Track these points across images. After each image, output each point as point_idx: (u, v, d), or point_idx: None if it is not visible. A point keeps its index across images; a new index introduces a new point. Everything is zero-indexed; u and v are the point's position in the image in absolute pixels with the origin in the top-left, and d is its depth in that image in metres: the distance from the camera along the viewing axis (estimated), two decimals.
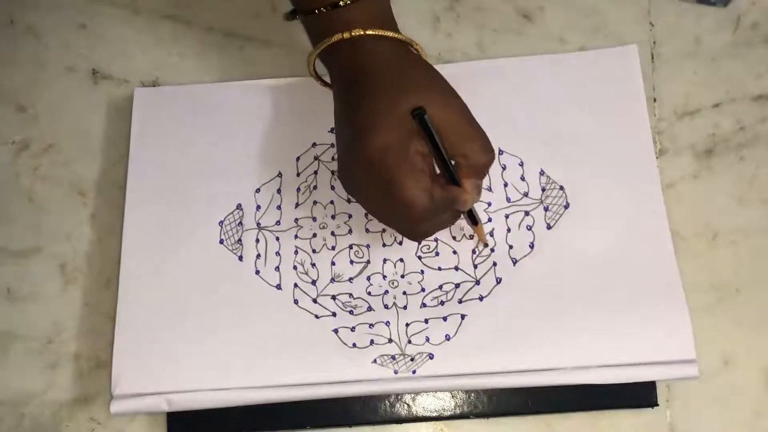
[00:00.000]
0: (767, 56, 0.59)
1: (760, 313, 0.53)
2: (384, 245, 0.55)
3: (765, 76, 0.58)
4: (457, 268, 0.53)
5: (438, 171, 0.49)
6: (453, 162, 0.48)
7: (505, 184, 0.55)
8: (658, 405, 0.51)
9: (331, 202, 0.56)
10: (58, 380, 0.55)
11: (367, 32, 0.50)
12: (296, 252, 0.55)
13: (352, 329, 0.52)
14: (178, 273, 0.54)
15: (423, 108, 0.46)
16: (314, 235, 0.55)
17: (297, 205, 0.56)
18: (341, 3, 0.50)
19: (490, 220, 0.54)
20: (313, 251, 0.55)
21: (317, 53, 0.53)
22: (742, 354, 0.52)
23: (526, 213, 0.54)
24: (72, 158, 0.60)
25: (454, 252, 0.54)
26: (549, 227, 0.54)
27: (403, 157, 0.47)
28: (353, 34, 0.50)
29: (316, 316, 0.53)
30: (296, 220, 0.56)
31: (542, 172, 0.55)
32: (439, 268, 0.54)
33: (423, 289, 0.53)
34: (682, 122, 0.58)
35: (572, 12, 0.61)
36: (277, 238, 0.55)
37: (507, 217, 0.54)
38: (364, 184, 0.49)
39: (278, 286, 0.54)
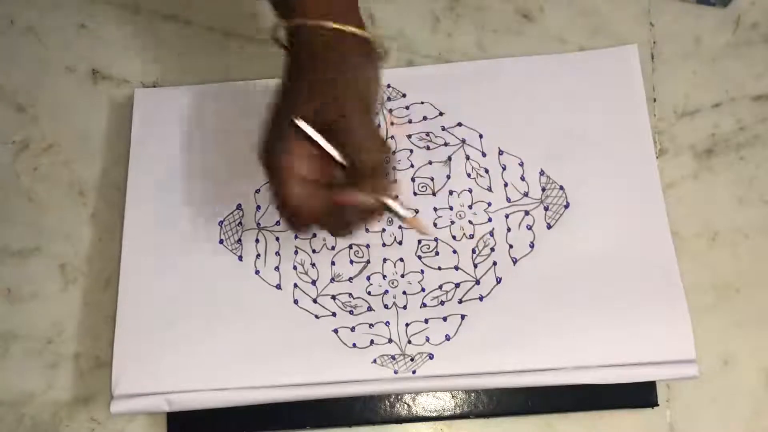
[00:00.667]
0: (767, 56, 0.59)
1: (760, 313, 0.53)
2: (384, 245, 0.55)
3: (765, 76, 0.58)
4: (457, 268, 0.53)
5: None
6: (349, 163, 0.47)
7: (505, 184, 0.55)
8: (658, 405, 0.51)
9: None
10: (58, 380, 0.55)
11: (308, 23, 0.49)
12: (296, 252, 0.55)
13: (352, 329, 0.52)
14: (178, 273, 0.54)
15: (298, 117, 0.45)
16: (314, 235, 0.55)
17: None
18: None
19: (490, 220, 0.54)
20: (313, 251, 0.55)
21: (274, 33, 0.51)
22: (742, 354, 0.52)
23: (526, 213, 0.54)
24: (72, 158, 0.60)
25: (454, 251, 0.54)
26: (549, 227, 0.54)
27: (284, 161, 0.47)
28: (293, 23, 0.49)
29: (316, 316, 0.53)
30: None
31: (542, 172, 0.55)
32: (439, 268, 0.54)
33: (423, 289, 0.53)
34: (682, 122, 0.58)
35: (572, 12, 0.61)
36: (277, 239, 0.55)
37: (507, 216, 0.54)
38: (265, 169, 0.49)
39: (278, 286, 0.54)
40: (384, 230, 0.55)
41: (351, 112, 0.48)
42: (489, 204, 0.55)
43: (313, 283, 0.54)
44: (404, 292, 0.53)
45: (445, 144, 0.57)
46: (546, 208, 0.54)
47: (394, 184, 0.54)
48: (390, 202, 0.50)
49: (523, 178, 0.55)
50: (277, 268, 0.54)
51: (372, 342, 0.52)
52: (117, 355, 0.52)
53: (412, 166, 0.56)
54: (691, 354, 0.49)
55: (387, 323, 0.52)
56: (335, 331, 0.52)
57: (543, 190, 0.55)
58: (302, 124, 0.46)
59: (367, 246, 0.55)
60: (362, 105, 0.49)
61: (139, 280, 0.54)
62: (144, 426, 0.53)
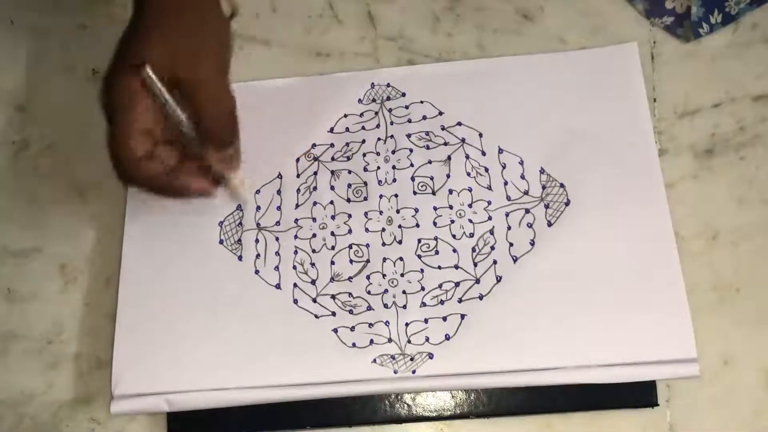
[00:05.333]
0: (767, 56, 0.59)
1: (760, 313, 0.53)
2: (383, 244, 0.55)
3: (765, 76, 0.58)
4: (457, 267, 0.53)
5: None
6: (197, 126, 0.47)
7: (505, 183, 0.55)
8: (658, 405, 0.51)
9: (331, 203, 0.56)
10: (58, 380, 0.55)
11: None
12: (296, 252, 0.55)
13: (352, 329, 0.52)
14: (177, 273, 0.54)
15: (143, 61, 0.44)
16: (314, 236, 0.55)
17: (297, 205, 0.56)
18: None
19: (490, 218, 0.54)
20: (313, 251, 0.55)
21: None
22: (742, 354, 0.52)
23: (527, 211, 0.54)
24: (72, 158, 0.60)
25: (454, 250, 0.54)
26: (550, 224, 0.54)
27: (130, 110, 0.45)
28: None
29: (316, 316, 0.53)
30: (296, 220, 0.56)
31: (542, 170, 0.55)
32: (439, 267, 0.53)
33: (423, 288, 0.53)
34: (682, 122, 0.58)
35: (572, 12, 0.61)
36: (277, 239, 0.55)
37: (507, 215, 0.54)
38: (104, 111, 0.48)
39: (278, 286, 0.54)
40: (384, 230, 0.55)
41: (207, 72, 0.47)
42: (489, 202, 0.55)
43: (313, 282, 0.54)
44: (404, 292, 0.53)
45: (445, 143, 0.57)
46: (546, 206, 0.54)
47: (238, 155, 0.53)
48: (234, 180, 0.51)
49: (523, 177, 0.55)
50: (276, 268, 0.54)
51: (372, 341, 0.52)
52: (117, 355, 0.52)
53: (411, 165, 0.56)
54: (692, 353, 0.49)
55: (387, 323, 0.52)
56: (335, 330, 0.52)
57: (543, 188, 0.55)
58: (150, 73, 0.44)
59: (367, 245, 0.55)
60: (220, 66, 0.48)
61: (139, 281, 0.54)
62: (144, 426, 0.53)
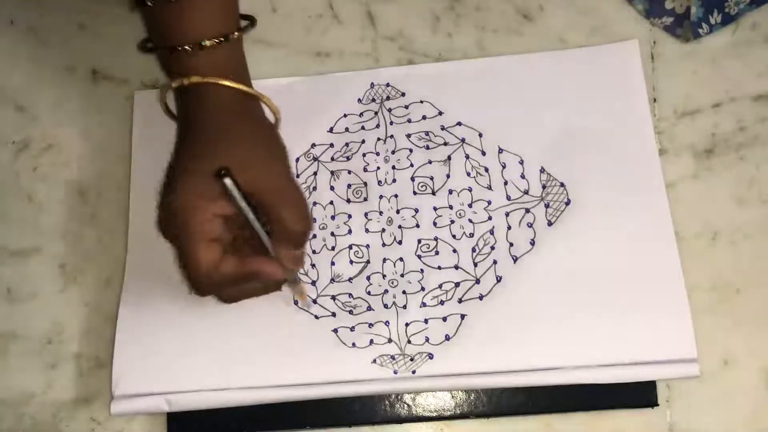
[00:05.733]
0: (767, 56, 0.59)
1: (760, 313, 0.53)
2: (384, 245, 0.55)
3: (765, 76, 0.58)
4: (457, 267, 0.53)
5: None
6: (267, 228, 0.47)
7: (505, 183, 0.55)
8: (658, 405, 0.51)
9: (331, 203, 0.56)
10: (58, 380, 0.55)
11: (206, 80, 0.49)
12: None
13: (352, 329, 0.52)
14: (178, 273, 0.54)
15: (227, 169, 0.43)
16: (314, 236, 0.55)
17: None
18: (180, 48, 0.49)
19: (490, 218, 0.54)
20: (313, 252, 0.55)
21: (163, 95, 0.54)
22: (742, 354, 0.52)
23: (527, 210, 0.54)
24: (72, 158, 0.60)
25: (454, 250, 0.54)
26: (550, 224, 0.54)
27: (194, 222, 0.45)
28: (190, 81, 0.49)
29: (316, 317, 0.53)
30: None
31: (542, 170, 0.55)
32: (439, 267, 0.53)
33: (423, 288, 0.53)
34: (682, 122, 0.58)
35: (572, 12, 0.61)
36: None
37: (507, 215, 0.54)
38: (166, 235, 0.48)
39: None
40: (384, 230, 0.55)
41: (280, 177, 0.48)
42: (489, 202, 0.55)
43: (313, 283, 0.54)
44: (404, 292, 0.53)
45: (445, 143, 0.57)
46: (547, 206, 0.54)
47: (303, 256, 0.54)
48: (302, 284, 0.51)
49: (523, 176, 0.55)
50: None
51: (371, 342, 0.52)
52: (117, 355, 0.52)
53: (411, 165, 0.56)
54: (692, 353, 0.49)
55: (387, 323, 0.52)
56: (335, 331, 0.52)
57: (543, 187, 0.55)
58: (229, 183, 0.43)
59: (367, 246, 0.55)
60: (287, 170, 0.49)
61: (141, 281, 0.54)
62: (144, 426, 0.53)
